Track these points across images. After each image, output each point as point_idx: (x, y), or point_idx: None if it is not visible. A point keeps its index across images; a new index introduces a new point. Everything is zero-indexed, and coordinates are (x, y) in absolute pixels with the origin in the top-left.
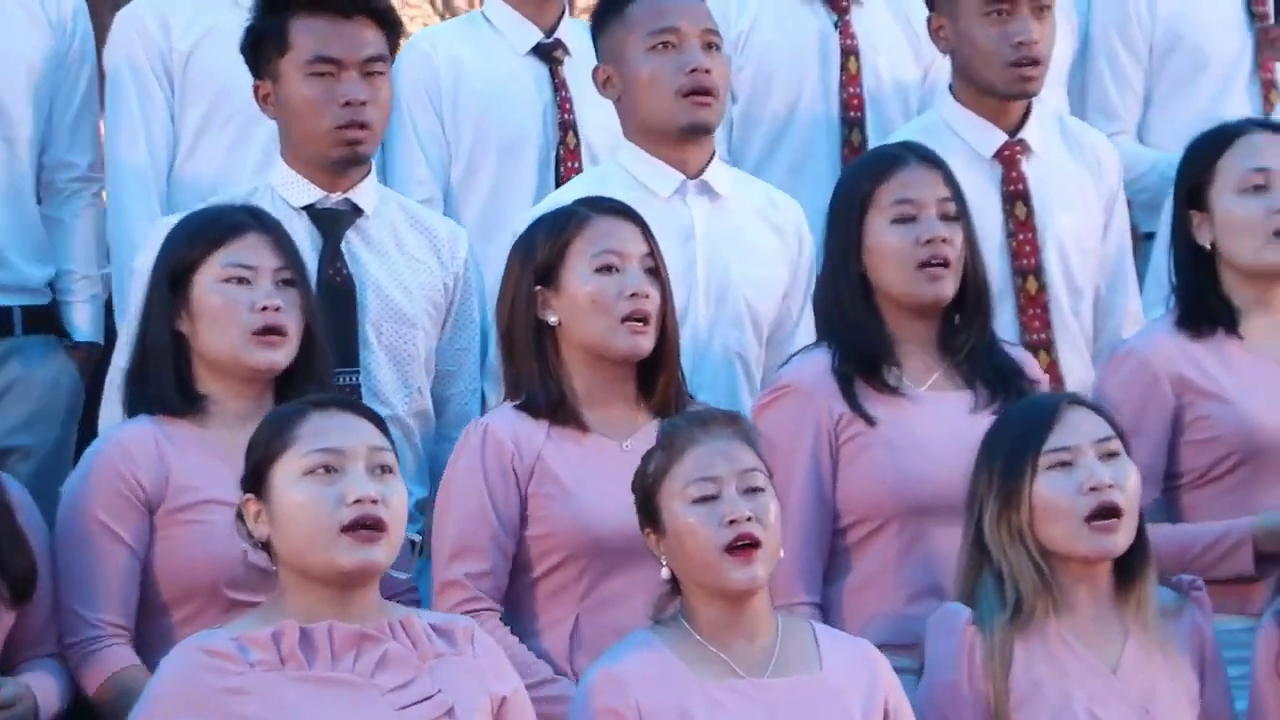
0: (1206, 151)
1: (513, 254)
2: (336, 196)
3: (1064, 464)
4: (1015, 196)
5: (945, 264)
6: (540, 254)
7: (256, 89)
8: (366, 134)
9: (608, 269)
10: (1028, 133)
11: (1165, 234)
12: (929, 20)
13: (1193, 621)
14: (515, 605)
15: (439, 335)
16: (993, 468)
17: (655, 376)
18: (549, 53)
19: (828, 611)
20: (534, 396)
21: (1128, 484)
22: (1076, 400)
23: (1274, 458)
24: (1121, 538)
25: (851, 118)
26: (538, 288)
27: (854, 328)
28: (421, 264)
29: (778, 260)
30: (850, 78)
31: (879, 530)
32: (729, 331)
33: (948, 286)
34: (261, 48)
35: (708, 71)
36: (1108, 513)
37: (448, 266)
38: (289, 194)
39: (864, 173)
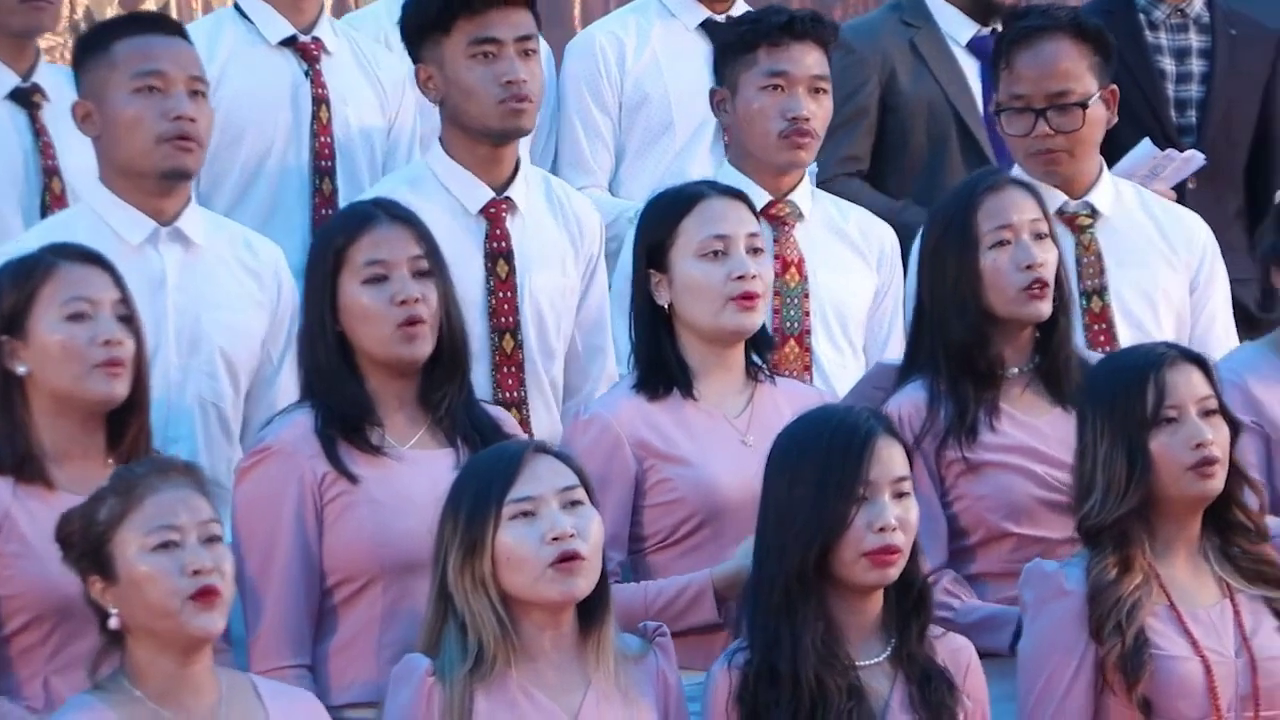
0: (667, 213)
1: None
2: None
3: (527, 514)
4: (498, 254)
5: (420, 322)
6: (6, 303)
7: None
8: None
9: (79, 316)
10: (514, 191)
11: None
12: (416, 72)
13: (656, 667)
14: None
15: None
16: (458, 517)
17: (125, 427)
18: (27, 97)
19: (315, 672)
20: None
21: (590, 530)
22: (541, 449)
23: (734, 517)
24: (583, 581)
25: (322, 166)
26: (4, 337)
27: (334, 388)
28: None
29: (254, 307)
30: (322, 127)
31: (363, 589)
32: (203, 380)
33: (424, 346)
34: None
35: (193, 120)
36: (570, 558)
37: None
38: None
39: (337, 230)
